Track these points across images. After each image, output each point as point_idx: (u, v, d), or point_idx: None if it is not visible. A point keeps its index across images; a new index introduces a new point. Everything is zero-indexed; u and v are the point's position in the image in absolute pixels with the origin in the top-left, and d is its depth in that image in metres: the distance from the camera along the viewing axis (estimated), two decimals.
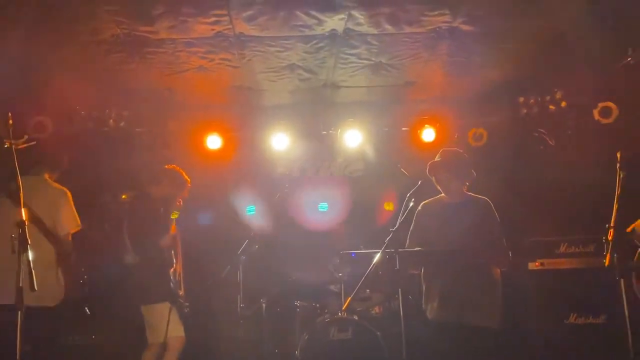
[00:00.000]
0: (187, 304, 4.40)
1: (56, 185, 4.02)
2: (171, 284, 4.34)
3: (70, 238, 3.92)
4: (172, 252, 4.47)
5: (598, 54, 4.69)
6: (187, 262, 4.72)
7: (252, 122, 6.06)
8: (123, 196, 5.88)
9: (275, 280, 5.62)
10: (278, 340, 5.26)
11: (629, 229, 3.48)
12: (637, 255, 3.51)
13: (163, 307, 4.23)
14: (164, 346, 4.26)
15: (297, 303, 5.24)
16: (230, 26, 4.07)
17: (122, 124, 5.63)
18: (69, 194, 3.96)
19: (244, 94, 5.55)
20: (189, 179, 4.60)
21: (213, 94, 5.58)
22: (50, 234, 3.78)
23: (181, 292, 4.48)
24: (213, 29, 4.11)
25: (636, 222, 3.48)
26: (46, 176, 4.00)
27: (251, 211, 5.88)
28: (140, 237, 4.29)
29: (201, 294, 4.61)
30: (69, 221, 3.90)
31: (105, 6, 3.74)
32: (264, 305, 5.21)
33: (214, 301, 4.96)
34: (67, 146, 5.09)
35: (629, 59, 4.59)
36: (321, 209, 6.26)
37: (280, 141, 5.99)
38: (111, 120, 5.60)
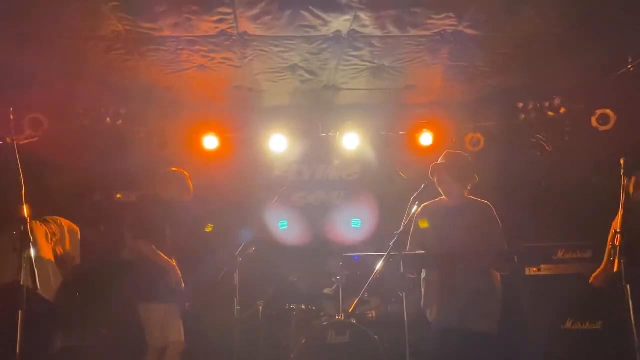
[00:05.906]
0: (187, 303, 4.32)
1: None
2: (173, 284, 4.24)
3: None
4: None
5: (597, 62, 4.74)
6: (183, 264, 4.65)
7: (250, 123, 6.01)
8: (118, 196, 5.80)
9: (271, 283, 5.58)
10: (274, 343, 5.21)
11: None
12: None
13: (164, 308, 4.15)
14: (164, 350, 4.16)
15: (294, 306, 5.21)
16: (234, 25, 4.02)
17: (119, 122, 5.55)
18: None
19: (243, 95, 5.49)
20: (192, 186, 4.58)
21: (212, 94, 5.50)
22: None
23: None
24: (217, 27, 4.06)
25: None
26: None
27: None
28: (146, 235, 4.20)
29: (197, 297, 4.53)
30: None
31: (109, 2, 3.68)
32: (260, 308, 5.16)
33: (210, 304, 4.89)
34: (62, 144, 5.01)
35: (629, 67, 4.64)
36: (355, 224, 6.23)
37: (279, 143, 5.96)
38: (108, 119, 5.51)
